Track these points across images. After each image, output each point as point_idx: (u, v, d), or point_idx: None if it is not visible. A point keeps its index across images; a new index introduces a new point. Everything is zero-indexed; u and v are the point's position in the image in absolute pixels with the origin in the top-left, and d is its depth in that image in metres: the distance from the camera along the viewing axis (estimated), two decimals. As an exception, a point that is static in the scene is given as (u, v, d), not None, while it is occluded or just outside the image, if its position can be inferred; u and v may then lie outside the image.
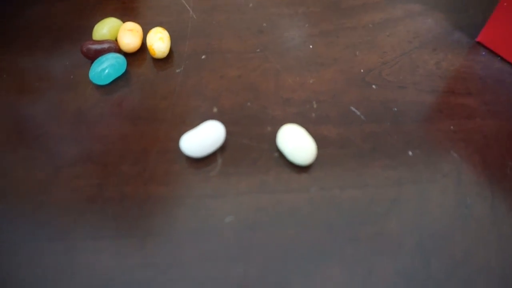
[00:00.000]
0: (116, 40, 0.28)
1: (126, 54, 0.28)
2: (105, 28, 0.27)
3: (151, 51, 0.27)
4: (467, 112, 0.26)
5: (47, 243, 0.21)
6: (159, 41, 0.27)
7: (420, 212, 0.22)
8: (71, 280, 0.20)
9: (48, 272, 0.20)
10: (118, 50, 0.27)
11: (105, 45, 0.26)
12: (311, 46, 0.29)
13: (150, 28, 0.29)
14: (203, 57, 0.28)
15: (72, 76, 0.27)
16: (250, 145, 0.24)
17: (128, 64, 0.28)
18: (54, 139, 0.24)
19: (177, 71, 0.27)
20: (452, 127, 0.25)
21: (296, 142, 0.22)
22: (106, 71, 0.26)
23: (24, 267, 0.20)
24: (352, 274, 0.20)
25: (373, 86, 0.27)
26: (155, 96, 0.26)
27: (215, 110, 0.25)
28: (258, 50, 0.29)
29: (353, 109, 0.26)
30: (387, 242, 0.21)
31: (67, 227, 0.21)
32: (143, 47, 0.29)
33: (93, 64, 0.26)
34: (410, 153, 0.24)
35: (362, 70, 0.28)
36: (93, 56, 0.27)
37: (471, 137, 0.24)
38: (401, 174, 0.23)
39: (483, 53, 0.29)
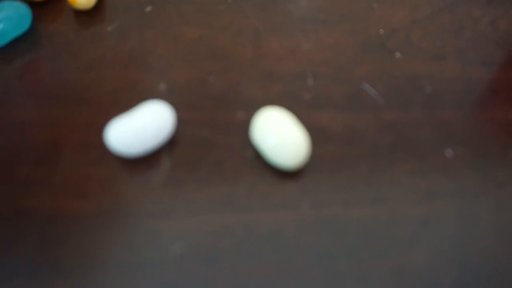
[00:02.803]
0: (18, -18, 0.27)
1: (32, 4, 0.28)
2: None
3: (70, 0, 0.27)
4: (533, 94, 0.26)
5: None
6: (81, -16, 0.27)
7: (461, 239, 0.22)
8: None
9: None
10: (20, -3, 0.27)
11: (1, -11, 0.26)
12: (308, -4, 0.29)
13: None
14: (148, 9, 0.28)
15: (-50, 35, 0.27)
16: (212, 139, 0.24)
17: (35, 19, 0.27)
18: None
19: (109, 29, 0.27)
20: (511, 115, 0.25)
21: (281, 135, 0.22)
22: (0, 26, 0.25)
23: None
24: (358, 331, 0.20)
25: (397, 55, 0.27)
26: (74, 66, 0.26)
27: (162, 86, 0.25)
28: None
29: (367, 87, 0.26)
30: (413, 282, 0.21)
31: None
32: (59, -7, 0.28)
33: (-20, 17, 0.26)
34: (448, 152, 0.24)
35: (381, 31, 0.28)
36: (-19, 4, 0.26)
37: (538, 131, 0.24)
38: (435, 183, 0.23)
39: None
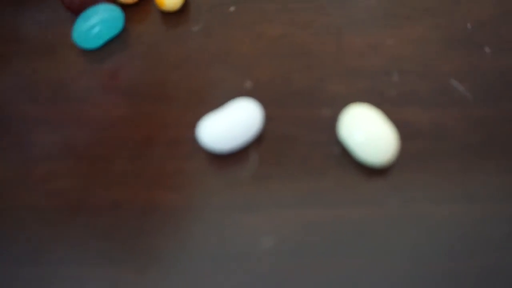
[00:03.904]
0: (109, -14, 0.29)
1: (123, 6, 0.29)
2: (95, -30, 0.28)
3: (158, 2, 0.28)
4: None
5: (14, 267, 0.21)
6: (169, -13, 0.27)
7: (559, 240, 0.21)
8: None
9: (14, 307, 0.21)
10: (113, 0, 0.28)
11: (95, -7, 0.27)
12: (390, -9, 0.29)
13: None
14: (231, 9, 0.28)
15: (49, 37, 0.28)
16: (298, 135, 0.24)
17: (126, 20, 0.28)
18: (25, 124, 0.25)
19: (195, 29, 0.28)
20: None
21: (368, 132, 0.22)
22: (96, 29, 0.26)
23: (-17, 298, 0.21)
24: (450, 330, 0.19)
25: (486, 49, 0.26)
26: (163, 65, 0.26)
27: (248, 84, 0.26)
28: (311, -3, 0.29)
29: (454, 83, 0.25)
30: (505, 282, 0.20)
31: (40, 246, 0.22)
32: (147, -5, 0.29)
33: (77, 20, 0.26)
34: (543, 150, 0.23)
35: (469, 25, 0.27)
36: (77, 8, 0.27)
37: None
38: (530, 181, 0.22)
39: None
